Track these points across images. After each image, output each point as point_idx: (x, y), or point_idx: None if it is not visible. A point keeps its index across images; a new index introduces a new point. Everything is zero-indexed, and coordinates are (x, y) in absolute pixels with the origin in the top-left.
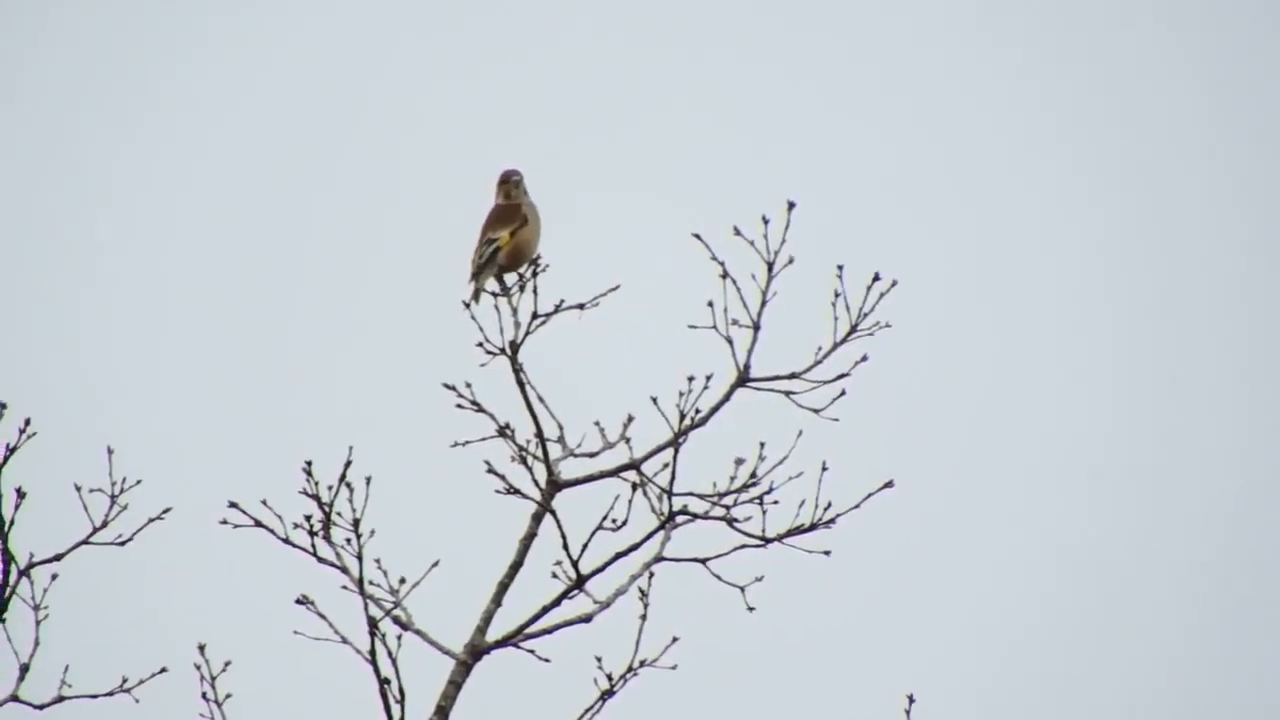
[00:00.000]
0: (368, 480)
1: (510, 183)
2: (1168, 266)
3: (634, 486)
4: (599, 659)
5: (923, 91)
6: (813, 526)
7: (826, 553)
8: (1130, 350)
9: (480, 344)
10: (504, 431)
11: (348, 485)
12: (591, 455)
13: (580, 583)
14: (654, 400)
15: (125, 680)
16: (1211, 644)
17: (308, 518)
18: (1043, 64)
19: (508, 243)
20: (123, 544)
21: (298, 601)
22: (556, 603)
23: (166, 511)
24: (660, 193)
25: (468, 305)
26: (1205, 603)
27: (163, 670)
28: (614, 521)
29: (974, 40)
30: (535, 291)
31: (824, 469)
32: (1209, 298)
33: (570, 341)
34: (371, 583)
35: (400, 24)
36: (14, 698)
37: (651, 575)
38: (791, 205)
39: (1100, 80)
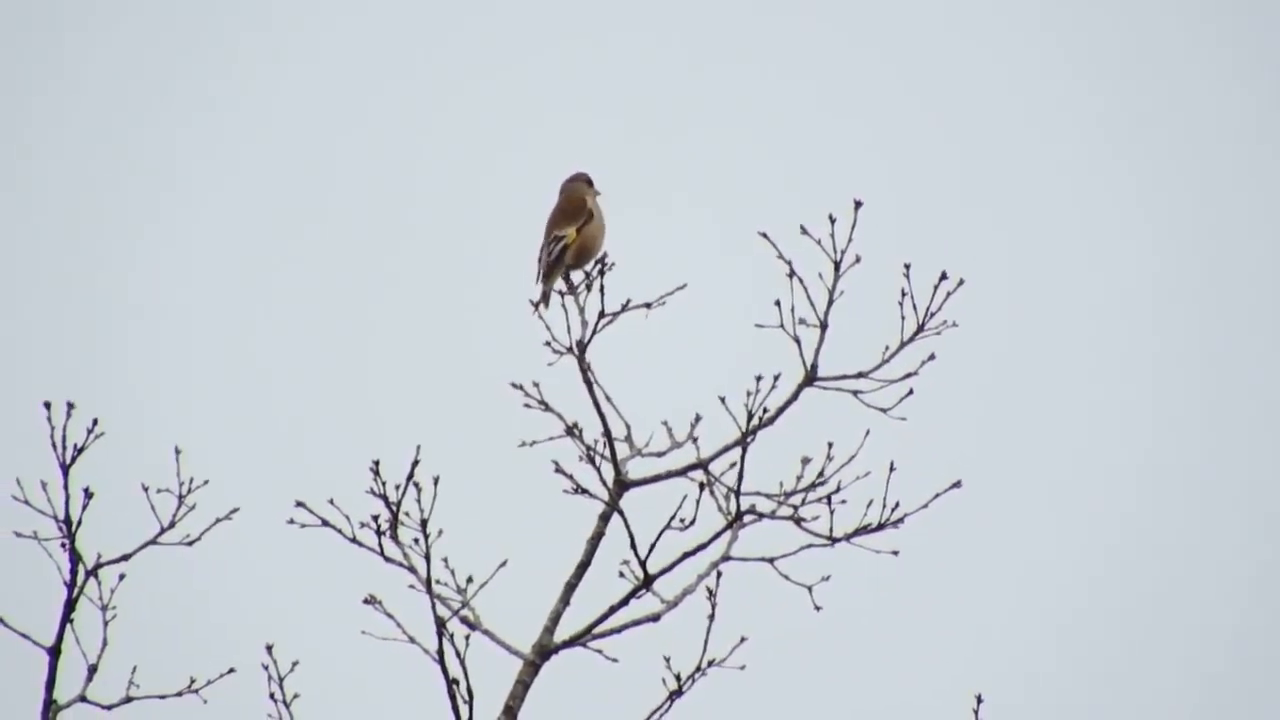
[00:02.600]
0: (435, 480)
1: (592, 190)
2: (1229, 266)
3: (701, 486)
4: (667, 659)
5: (985, 93)
6: (880, 526)
7: (894, 552)
8: (1195, 350)
9: (548, 343)
10: (572, 431)
11: (415, 485)
12: (659, 455)
13: (648, 582)
14: (721, 400)
15: (193, 680)
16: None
17: (375, 517)
18: (1107, 62)
19: (575, 239)
20: (190, 544)
21: (365, 601)
22: (624, 602)
23: (234, 512)
24: (725, 191)
25: (536, 306)
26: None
27: (231, 670)
28: (681, 521)
29: (1031, 40)
30: (602, 291)
31: (891, 468)
32: (1263, 295)
33: (638, 341)
34: (439, 582)
35: (458, 33)
36: (82, 698)
37: (719, 575)
38: (858, 204)
39: (1166, 82)
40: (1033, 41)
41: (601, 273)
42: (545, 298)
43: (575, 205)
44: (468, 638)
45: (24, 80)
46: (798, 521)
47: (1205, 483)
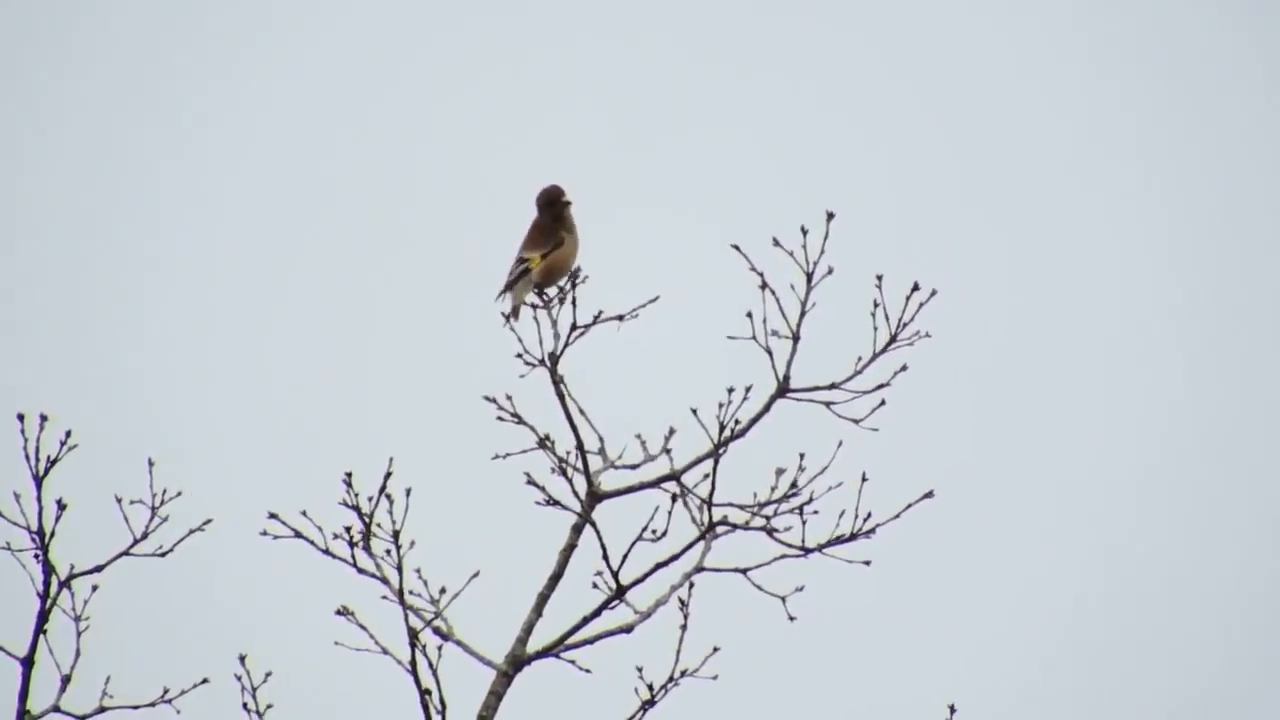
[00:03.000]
0: (408, 491)
1: (561, 203)
2: (1201, 275)
3: (674, 497)
4: (640, 669)
5: (958, 101)
6: (853, 536)
7: (867, 563)
8: (1170, 356)
9: (520, 355)
10: (544, 443)
11: (388, 496)
12: (632, 467)
13: (621, 593)
14: (694, 411)
15: (166, 691)
16: (1259, 653)
17: (348, 529)
18: (1085, 66)
19: (538, 264)
20: (163, 555)
21: (338, 613)
22: (597, 613)
23: (207, 523)
24: (698, 205)
25: (508, 319)
26: (1251, 611)
27: (204, 681)
28: (654, 532)
29: (1015, 44)
30: (574, 303)
31: (864, 479)
32: (1256, 306)
33: (610, 353)
34: (412, 593)
35: (449, 43)
36: (56, 708)
37: (692, 585)
38: (830, 215)
39: (1152, 84)
40: (1033, 41)
41: (574, 285)
42: (515, 311)
43: (547, 232)
44: (440, 649)
45: (25, 82)
46: (770, 532)
47: (1184, 489)
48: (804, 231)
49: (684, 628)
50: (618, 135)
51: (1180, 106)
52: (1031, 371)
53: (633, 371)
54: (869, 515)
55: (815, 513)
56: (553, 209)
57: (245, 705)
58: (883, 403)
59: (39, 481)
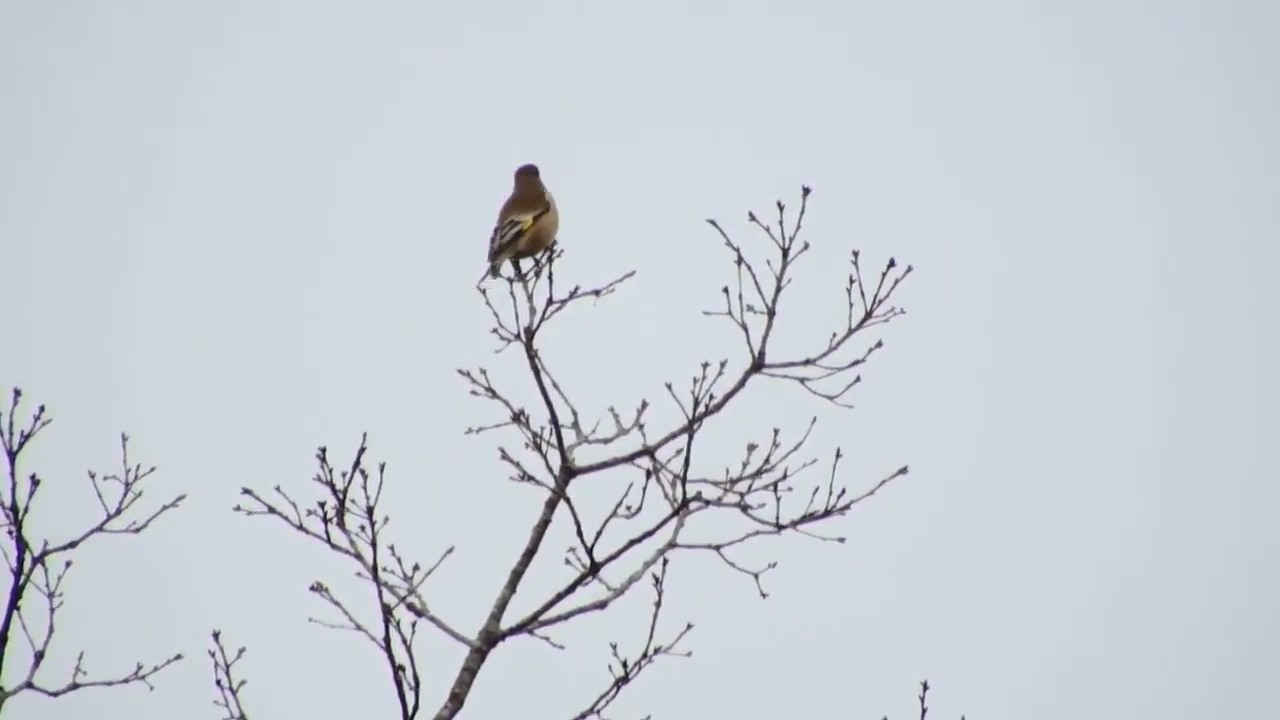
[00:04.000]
0: (382, 467)
1: (536, 175)
2: (1184, 252)
3: (648, 473)
4: (614, 646)
5: (939, 79)
6: (827, 513)
7: (840, 539)
8: (1156, 334)
9: (495, 330)
10: (518, 418)
11: (362, 472)
12: (606, 441)
13: (594, 569)
14: (668, 386)
15: (140, 667)
16: (1248, 641)
17: (322, 504)
18: (1065, 49)
19: (530, 227)
20: (137, 531)
21: (312, 589)
22: (571, 589)
23: (181, 499)
24: (674, 180)
25: (483, 291)
26: (1232, 600)
27: (177, 657)
28: (628, 508)
29: (992, 28)
30: (550, 278)
31: (838, 455)
32: (1245, 283)
33: (585, 328)
34: (386, 569)
35: (426, 31)
36: (29, 685)
37: (665, 562)
38: (807, 191)
39: (1126, 65)
40: (1007, 19)
41: (550, 260)
42: (493, 271)
43: (534, 195)
44: (414, 625)
45: (29, 78)
46: (744, 508)
47: (1144, 469)
48: (780, 207)
49: (658, 604)
50: (594, 111)
51: (1161, 82)
52: (1010, 348)
53: (608, 347)
54: (843, 492)
55: (789, 489)
56: (526, 179)
57: (219, 682)
58: (858, 379)
59: (12, 457)
